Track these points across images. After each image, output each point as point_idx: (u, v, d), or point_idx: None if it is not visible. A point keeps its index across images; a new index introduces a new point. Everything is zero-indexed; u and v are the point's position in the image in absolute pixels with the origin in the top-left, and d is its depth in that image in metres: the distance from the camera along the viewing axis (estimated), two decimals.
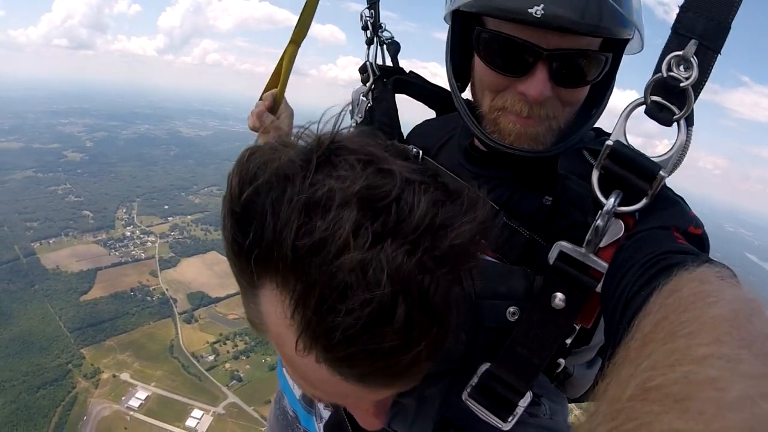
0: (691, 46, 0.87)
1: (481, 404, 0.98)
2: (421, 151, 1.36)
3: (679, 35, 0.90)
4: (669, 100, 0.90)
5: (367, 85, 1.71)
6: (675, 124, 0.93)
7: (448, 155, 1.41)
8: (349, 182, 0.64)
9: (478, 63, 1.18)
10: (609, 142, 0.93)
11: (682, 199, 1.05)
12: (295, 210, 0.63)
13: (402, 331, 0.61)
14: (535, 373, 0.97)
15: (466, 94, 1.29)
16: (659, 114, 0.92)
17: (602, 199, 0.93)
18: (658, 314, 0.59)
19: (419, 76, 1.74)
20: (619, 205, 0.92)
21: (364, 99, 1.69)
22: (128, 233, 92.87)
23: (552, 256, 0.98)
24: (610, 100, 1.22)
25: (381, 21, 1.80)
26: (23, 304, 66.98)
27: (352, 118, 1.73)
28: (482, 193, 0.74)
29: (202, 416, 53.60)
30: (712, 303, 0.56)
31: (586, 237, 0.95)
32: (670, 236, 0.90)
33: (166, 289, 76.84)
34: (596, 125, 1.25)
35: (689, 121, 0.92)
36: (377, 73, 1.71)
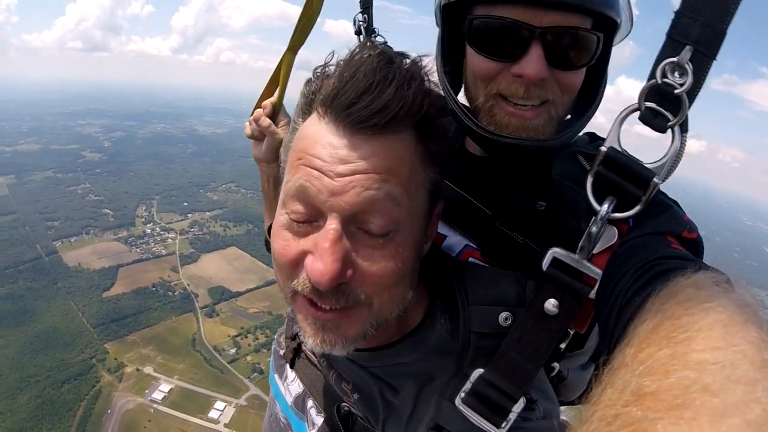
0: (686, 53, 0.86)
1: (474, 410, 0.97)
2: None
3: (674, 41, 0.88)
4: (663, 107, 0.89)
5: None
6: (669, 130, 0.91)
7: None
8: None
9: (470, 55, 1.19)
10: (603, 148, 0.92)
11: (675, 203, 1.06)
12: (337, 70, 0.91)
13: (393, 94, 0.84)
14: (530, 379, 0.96)
15: (460, 98, 1.28)
16: (653, 120, 0.91)
17: (596, 205, 0.93)
18: (654, 320, 0.60)
19: None
20: (613, 211, 0.92)
21: None
22: (148, 230, 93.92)
23: (546, 262, 0.97)
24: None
25: (374, 26, 1.83)
26: (46, 302, 67.96)
27: None
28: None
29: (224, 408, 53.66)
30: (707, 309, 0.56)
31: (580, 243, 0.94)
32: (664, 242, 0.92)
33: (188, 284, 77.16)
34: (591, 129, 1.28)
35: (684, 128, 0.91)
36: None
